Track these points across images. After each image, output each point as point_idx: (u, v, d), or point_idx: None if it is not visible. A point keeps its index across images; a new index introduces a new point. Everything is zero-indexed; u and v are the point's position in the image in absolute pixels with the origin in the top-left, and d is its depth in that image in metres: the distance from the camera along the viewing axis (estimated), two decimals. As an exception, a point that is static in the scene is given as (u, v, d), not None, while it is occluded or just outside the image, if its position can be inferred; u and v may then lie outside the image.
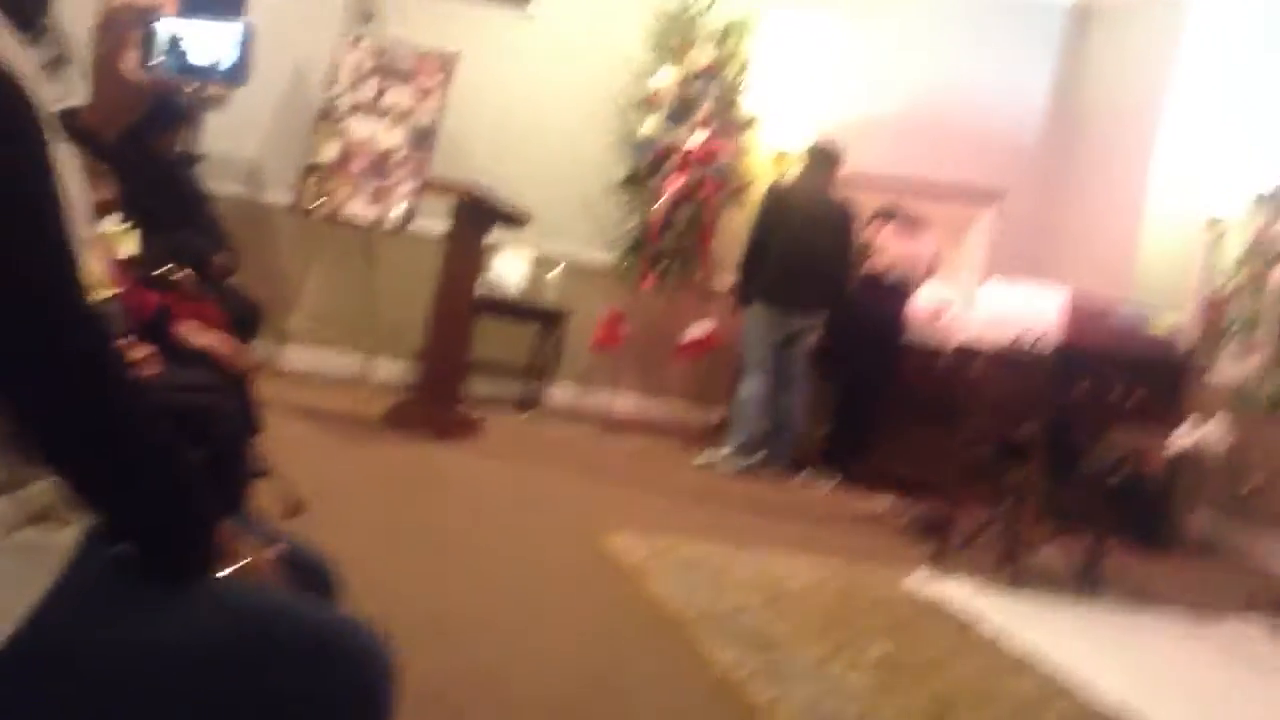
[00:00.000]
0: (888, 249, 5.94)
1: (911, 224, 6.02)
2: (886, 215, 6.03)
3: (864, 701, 2.68)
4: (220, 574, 1.05)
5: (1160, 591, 4.46)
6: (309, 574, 1.23)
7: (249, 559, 1.09)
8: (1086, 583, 4.38)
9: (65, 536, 1.00)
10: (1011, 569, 4.23)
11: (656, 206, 5.99)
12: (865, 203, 5.98)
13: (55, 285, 0.95)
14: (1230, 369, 5.67)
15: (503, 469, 4.66)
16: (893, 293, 5.94)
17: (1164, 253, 6.39)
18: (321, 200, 5.60)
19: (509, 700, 2.33)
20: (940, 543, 4.47)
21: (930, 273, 6.13)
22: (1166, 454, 5.75)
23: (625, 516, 4.17)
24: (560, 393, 6.36)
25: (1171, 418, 5.60)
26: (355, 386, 5.67)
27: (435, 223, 5.44)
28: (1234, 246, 5.68)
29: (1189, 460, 5.80)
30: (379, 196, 5.59)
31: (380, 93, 5.63)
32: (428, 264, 5.32)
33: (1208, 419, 5.55)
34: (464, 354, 5.16)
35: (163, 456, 1.01)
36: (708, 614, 3.13)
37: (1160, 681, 3.34)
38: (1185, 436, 5.46)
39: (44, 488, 1.00)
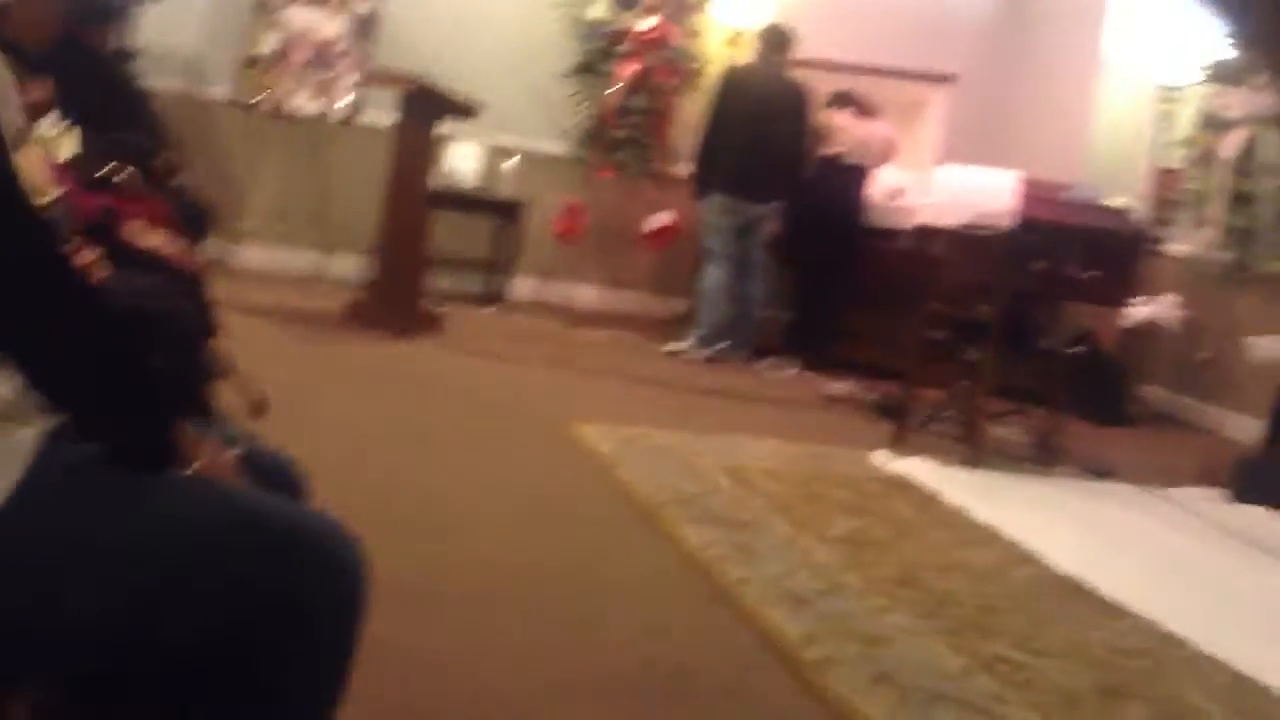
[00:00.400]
0: (844, 132, 5.89)
1: (866, 108, 5.96)
2: (842, 100, 5.96)
3: (831, 575, 2.74)
4: (184, 474, 1.04)
5: (1116, 463, 4.57)
6: (273, 475, 1.22)
7: (211, 460, 1.07)
8: (1044, 457, 4.48)
9: (25, 435, 0.98)
10: (971, 446, 4.32)
11: (610, 94, 5.86)
12: (819, 87, 5.89)
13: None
14: (1183, 242, 5.73)
15: (467, 363, 4.64)
16: (850, 176, 5.90)
17: (1116, 130, 6.39)
18: (264, 94, 5.43)
19: (483, 590, 2.37)
20: (901, 423, 4.53)
21: (887, 157, 6.09)
22: (1121, 329, 5.85)
23: (593, 407, 4.19)
24: (523, 286, 6.31)
25: (1126, 293, 5.68)
26: (312, 284, 5.59)
27: (384, 115, 5.31)
28: (1185, 119, 5.68)
29: (1144, 334, 5.90)
30: (323, 89, 5.44)
31: (319, -20, 5.44)
32: (379, 157, 5.20)
33: (1162, 293, 5.63)
34: (421, 248, 5.09)
35: (119, 352, 0.99)
36: (677, 498, 3.17)
37: (1114, 548, 3.45)
38: (1140, 311, 5.54)
39: (3, 389, 0.98)
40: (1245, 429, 5.20)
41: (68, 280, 0.98)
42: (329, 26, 5.44)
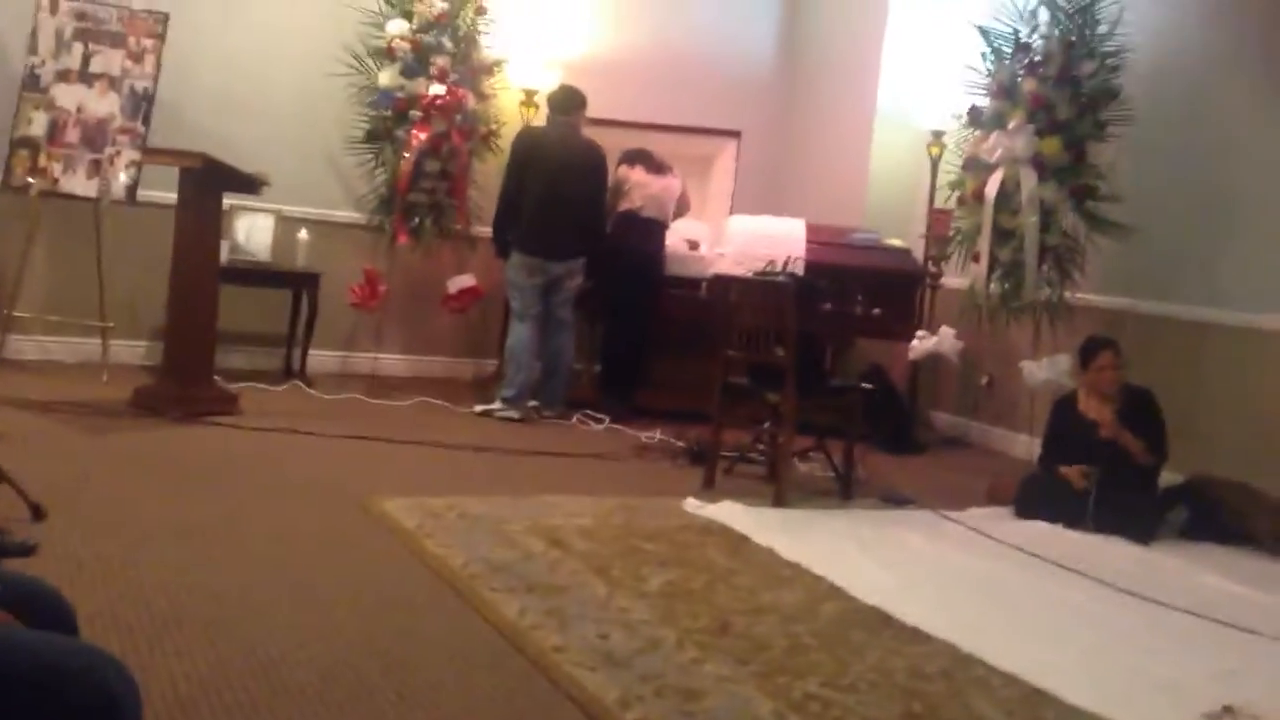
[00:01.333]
0: (639, 188, 6.04)
1: (659, 164, 6.13)
2: (635, 157, 6.12)
3: (647, 631, 2.78)
4: None
5: (912, 490, 4.81)
6: (37, 607, 1.16)
7: None
8: (845, 490, 4.68)
9: None
10: (776, 485, 4.47)
11: (404, 159, 5.83)
12: (612, 145, 6.04)
13: None
14: (957, 277, 6.11)
15: (264, 444, 4.49)
16: (649, 229, 6.05)
17: (892, 175, 6.78)
18: (33, 178, 5.15)
19: (291, 686, 2.29)
20: (710, 468, 4.65)
21: (682, 210, 6.28)
22: (908, 361, 6.18)
23: (401, 479, 4.12)
24: (322, 359, 6.15)
25: (909, 327, 6.02)
26: (95, 372, 5.30)
27: (165, 193, 5.12)
28: (953, 162, 6.09)
29: (928, 365, 6.25)
30: (98, 168, 5.20)
31: (88, 58, 5.20)
32: (161, 235, 5.01)
33: (942, 325, 5.98)
34: (210, 326, 4.91)
35: None
36: (490, 568, 3.16)
37: (914, 575, 3.62)
38: (923, 343, 5.86)
39: None
40: (1026, 448, 5.57)
41: None
42: (101, 104, 5.21)
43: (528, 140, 5.75)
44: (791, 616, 3.04)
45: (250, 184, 4.94)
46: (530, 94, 6.39)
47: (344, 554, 3.21)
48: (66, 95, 5.20)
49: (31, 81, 5.20)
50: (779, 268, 5.21)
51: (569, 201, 5.62)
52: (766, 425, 4.83)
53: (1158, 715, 2.56)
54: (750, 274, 4.98)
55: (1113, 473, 4.45)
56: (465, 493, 3.97)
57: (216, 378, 5.04)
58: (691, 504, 4.18)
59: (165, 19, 5.33)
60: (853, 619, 3.08)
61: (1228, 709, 2.59)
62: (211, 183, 4.79)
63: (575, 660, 2.54)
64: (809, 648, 2.80)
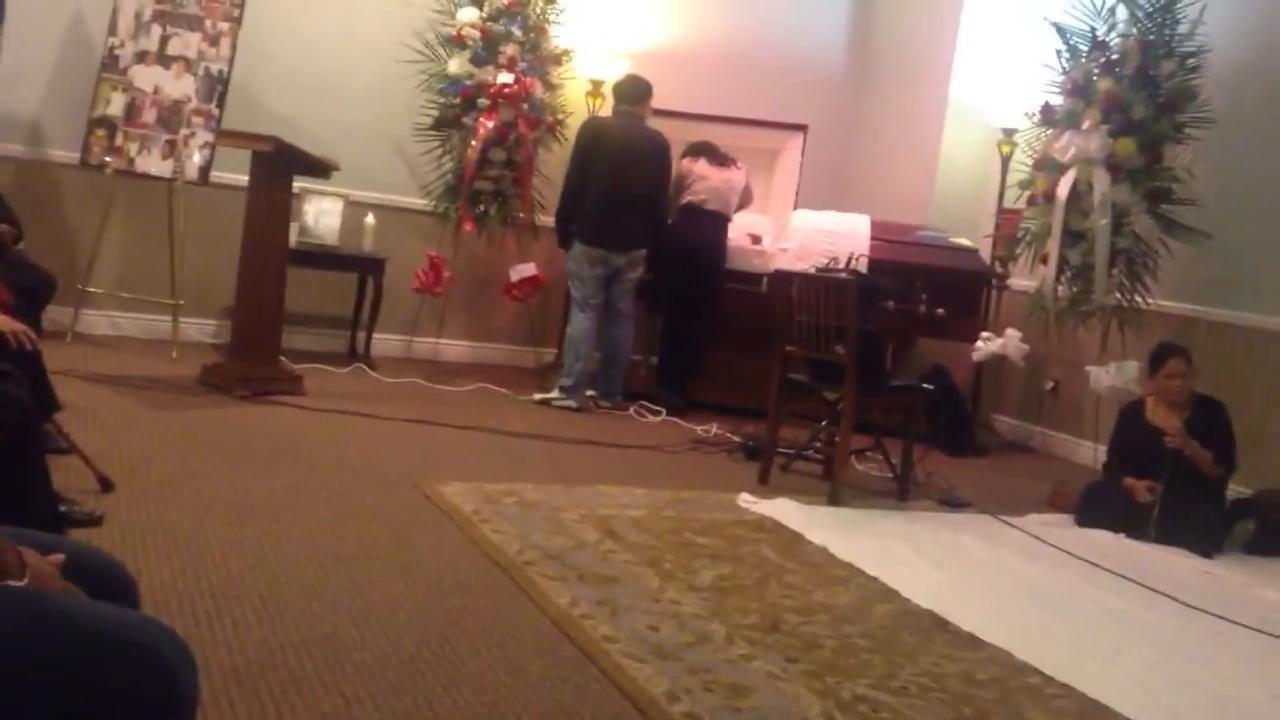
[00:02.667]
0: (702, 180, 6.02)
1: (723, 157, 6.11)
2: (699, 149, 6.10)
3: (697, 625, 2.78)
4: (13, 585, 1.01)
5: (969, 493, 4.75)
6: (100, 578, 1.19)
7: (36, 570, 1.05)
8: (902, 490, 4.63)
9: None
10: (833, 483, 4.43)
11: (470, 147, 5.87)
12: (677, 136, 6.03)
13: None
14: (1024, 278, 6.01)
15: (327, 425, 4.55)
16: (711, 222, 6.03)
17: (961, 173, 6.69)
18: (112, 155, 5.27)
19: (345, 664, 2.32)
20: (766, 464, 4.63)
21: (745, 203, 6.25)
22: (971, 362, 6.09)
23: (459, 465, 4.16)
24: (386, 342, 6.23)
25: (974, 328, 5.93)
26: (164, 348, 5.41)
27: (237, 175, 5.21)
28: (1024, 161, 5.98)
29: (992, 367, 6.16)
30: (173, 149, 5.30)
31: (165, 40, 5.30)
32: (232, 216, 5.10)
33: (1007, 328, 5.89)
34: (278, 308, 4.99)
35: None
36: (544, 555, 3.18)
37: (969, 580, 3.58)
38: (987, 345, 5.78)
39: None
40: (1091, 455, 5.47)
41: None
42: (177, 86, 5.31)
43: (592, 130, 5.76)
44: (843, 616, 3.02)
45: (320, 168, 5.01)
46: (597, 84, 6.40)
47: (401, 536, 3.25)
48: (144, 76, 5.31)
49: (110, 62, 5.32)
50: (842, 264, 5.17)
51: (632, 192, 5.63)
52: (824, 423, 4.79)
53: (1217, 733, 2.51)
54: (813, 270, 4.93)
55: (1179, 483, 4.36)
56: (522, 479, 4.00)
57: (282, 358, 5.12)
58: (746, 499, 4.17)
59: (242, 3, 5.42)
60: (905, 621, 3.05)
61: (1290, 729, 2.53)
62: (282, 166, 4.86)
63: (624, 651, 2.55)
64: (860, 648, 2.78)
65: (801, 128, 6.61)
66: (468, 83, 5.88)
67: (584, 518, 3.61)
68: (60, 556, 1.10)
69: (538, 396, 5.68)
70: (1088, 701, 2.63)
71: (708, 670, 2.50)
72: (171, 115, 5.32)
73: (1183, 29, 5.20)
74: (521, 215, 6.16)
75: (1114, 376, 5.12)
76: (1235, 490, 4.56)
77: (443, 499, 3.63)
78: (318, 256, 5.86)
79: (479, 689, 2.30)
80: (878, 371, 4.62)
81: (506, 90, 5.84)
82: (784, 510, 4.05)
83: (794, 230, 6.10)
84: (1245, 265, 5.18)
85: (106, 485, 3.20)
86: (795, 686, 2.48)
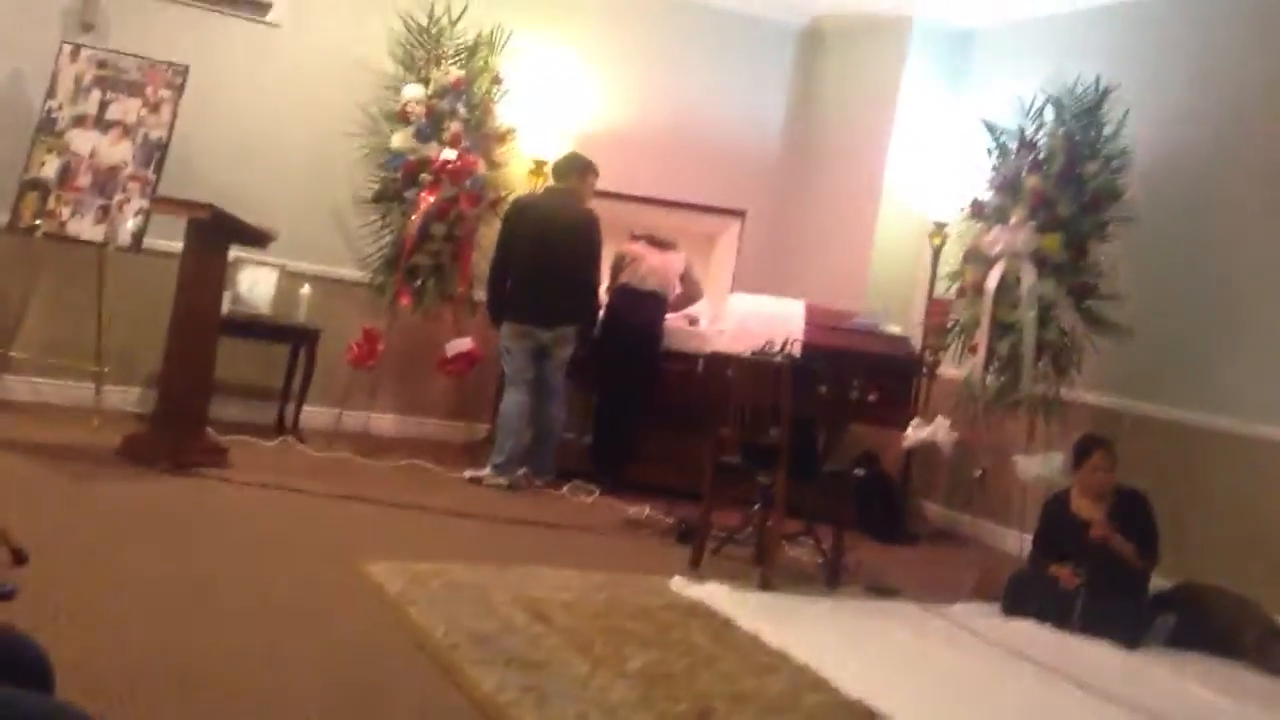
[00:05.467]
0: (642, 260, 6.08)
1: (662, 241, 6.19)
2: (640, 235, 6.19)
3: (626, 713, 2.74)
4: None
5: (899, 581, 4.77)
6: (15, 662, 1.14)
7: None
8: (832, 577, 4.64)
9: None
10: (764, 569, 4.43)
11: (411, 221, 5.88)
12: (618, 218, 6.09)
13: None
14: (954, 367, 6.13)
15: (251, 499, 4.46)
16: (649, 302, 6.07)
17: (894, 262, 6.84)
18: (41, 219, 5.19)
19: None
20: (698, 547, 4.62)
21: (695, 296, 6.31)
22: (901, 449, 6.16)
23: (386, 543, 4.09)
24: (316, 414, 6.14)
25: (905, 415, 6.01)
26: (86, 416, 5.28)
27: (170, 242, 5.16)
28: (954, 253, 6.14)
29: (921, 454, 6.23)
30: (106, 214, 5.23)
31: (105, 105, 5.27)
32: (163, 284, 5.03)
33: (937, 415, 5.98)
34: (206, 378, 4.91)
35: None
36: (470, 639, 3.12)
37: (898, 669, 3.58)
38: (917, 432, 5.85)
39: None
40: (1018, 543, 5.54)
41: None
42: (115, 152, 5.26)
43: (517, 207, 5.80)
44: (772, 707, 2.99)
45: (258, 237, 4.98)
46: (540, 163, 6.46)
47: (323, 616, 3.17)
48: (81, 140, 5.26)
49: (47, 124, 5.26)
50: (776, 348, 5.22)
51: (556, 268, 5.63)
52: (756, 506, 4.80)
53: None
54: (749, 353, 4.98)
55: (1102, 574, 4.42)
56: (451, 559, 3.93)
57: (209, 429, 5.02)
58: (678, 583, 4.14)
59: (185, 71, 5.41)
60: (835, 713, 3.03)
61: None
62: (218, 234, 4.82)
63: (550, 741, 2.50)
64: (789, 740, 2.76)
65: (740, 213, 6.72)
66: (410, 157, 5.91)
67: (513, 599, 3.56)
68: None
69: (469, 474, 5.62)
70: (1014, 796, 2.62)
71: (635, 761, 2.46)
72: (107, 180, 5.26)
73: (1107, 130, 5.40)
74: (460, 290, 6.16)
75: (1040, 466, 5.22)
76: (1157, 583, 4.63)
77: (369, 578, 3.56)
78: (250, 326, 5.79)
79: (400, 779, 2.23)
80: (810, 456, 4.65)
81: (449, 166, 5.88)
82: (715, 595, 4.03)
83: (730, 313, 6.17)
84: (1166, 360, 5.34)
85: (20, 558, 3.08)
86: (723, 779, 2.44)
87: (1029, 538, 5.01)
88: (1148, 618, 4.43)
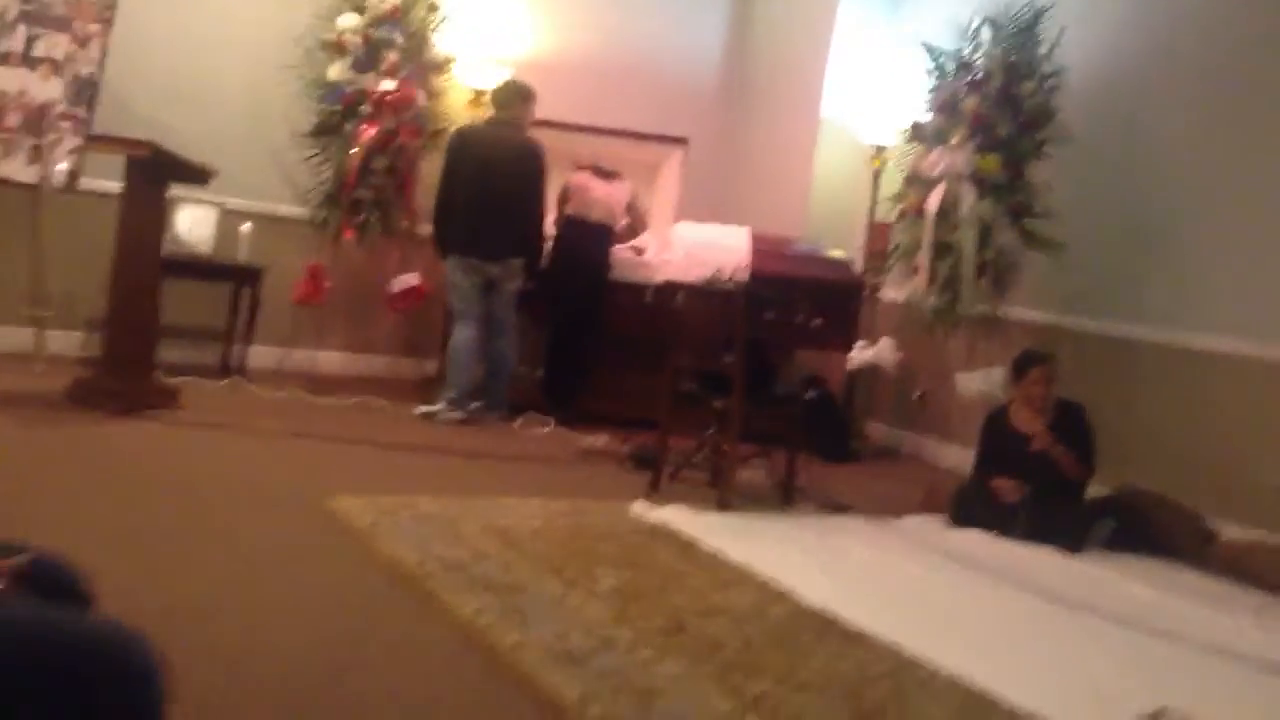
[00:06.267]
0: (587, 191, 6.07)
1: (607, 172, 6.18)
2: (584, 165, 6.16)
3: (603, 631, 2.82)
4: None
5: (848, 498, 4.91)
6: (57, 584, 1.17)
7: None
8: (786, 496, 4.76)
9: None
10: (721, 491, 4.53)
11: (351, 155, 5.80)
12: (559, 147, 6.06)
13: None
14: (896, 290, 6.25)
15: (208, 440, 4.44)
16: (595, 234, 6.08)
17: (834, 187, 6.91)
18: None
19: (251, 689, 2.27)
20: (656, 473, 4.70)
21: (640, 226, 6.31)
22: (844, 372, 6.29)
23: (347, 479, 4.11)
24: (262, 355, 6.09)
25: (849, 338, 6.13)
26: (26, 363, 5.18)
27: (106, 181, 5.04)
28: (894, 177, 6.23)
29: (865, 376, 6.37)
30: (39, 154, 5.09)
31: (31, 41, 5.09)
32: (101, 225, 4.93)
33: (880, 337, 6.11)
34: (153, 319, 4.84)
35: None
36: (445, 567, 3.17)
37: (855, 580, 3.71)
38: (862, 353, 5.98)
39: None
40: (958, 459, 5.72)
41: None
42: (44, 89, 5.10)
43: (458, 139, 5.73)
44: (742, 618, 3.10)
45: (199, 175, 4.89)
46: (479, 93, 6.39)
47: (295, 553, 3.20)
48: (8, 79, 5.08)
49: (-31, 63, 5.08)
50: (726, 276, 5.28)
51: (499, 201, 5.58)
52: (711, 431, 4.89)
53: (1094, 718, 2.66)
54: (698, 281, 5.04)
55: (1043, 485, 4.59)
56: (415, 492, 3.97)
57: (156, 371, 4.96)
58: (639, 507, 4.23)
59: (113, 4, 5.25)
60: (800, 622, 3.15)
61: (1160, 712, 2.70)
62: (158, 172, 4.72)
63: (534, 659, 2.57)
64: (760, 647, 2.87)
65: (682, 141, 6.73)
66: (348, 89, 5.81)
67: (482, 529, 3.61)
68: (16, 560, 1.08)
69: (422, 409, 5.63)
70: (973, 692, 2.76)
71: (617, 674, 2.54)
72: (38, 119, 5.11)
73: (1042, 50, 5.49)
74: (404, 224, 6.11)
75: (981, 382, 5.37)
76: (1094, 491, 4.82)
77: (336, 514, 3.59)
78: (191, 266, 5.70)
79: (388, 707, 2.29)
80: (764, 380, 4.74)
81: (388, 97, 5.79)
82: (677, 517, 4.12)
83: (677, 242, 6.20)
84: (1100, 276, 5.50)
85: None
86: (703, 686, 2.54)
87: (969, 453, 5.17)
88: (1088, 524, 4.62)
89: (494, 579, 3.12)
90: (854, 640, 3.04)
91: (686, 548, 3.77)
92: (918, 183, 5.75)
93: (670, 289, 5.11)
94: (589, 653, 2.65)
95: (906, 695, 2.69)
